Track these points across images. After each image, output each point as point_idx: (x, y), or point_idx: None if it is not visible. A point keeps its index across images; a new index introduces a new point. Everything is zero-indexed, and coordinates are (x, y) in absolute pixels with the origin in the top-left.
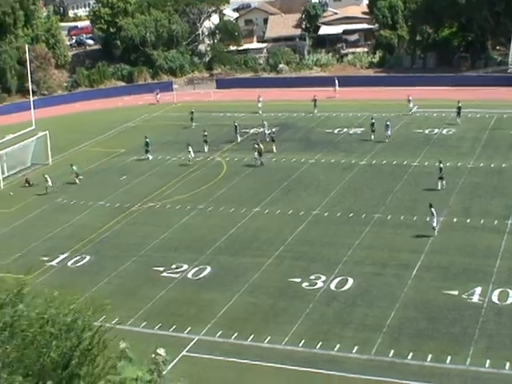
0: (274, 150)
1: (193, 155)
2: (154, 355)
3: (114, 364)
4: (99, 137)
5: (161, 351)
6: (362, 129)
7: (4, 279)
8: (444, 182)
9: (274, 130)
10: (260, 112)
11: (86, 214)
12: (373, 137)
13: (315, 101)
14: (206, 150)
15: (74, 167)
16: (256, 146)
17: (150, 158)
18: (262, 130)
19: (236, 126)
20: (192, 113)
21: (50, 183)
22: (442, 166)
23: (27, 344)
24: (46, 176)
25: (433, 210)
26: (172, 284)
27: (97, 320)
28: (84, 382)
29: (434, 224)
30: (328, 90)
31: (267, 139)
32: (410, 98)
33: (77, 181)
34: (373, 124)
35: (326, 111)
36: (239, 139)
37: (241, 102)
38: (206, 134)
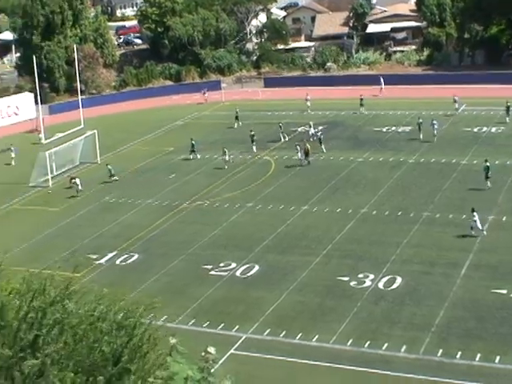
0: (324, 149)
1: (228, 158)
2: (204, 353)
3: (164, 360)
4: (147, 136)
5: (211, 350)
6: (410, 127)
7: (53, 277)
8: (488, 181)
9: (320, 128)
10: (308, 111)
11: (135, 212)
12: (421, 136)
13: (362, 99)
14: (254, 149)
15: (109, 166)
16: (298, 147)
17: (198, 157)
18: (308, 129)
19: (280, 126)
20: (237, 113)
21: (80, 187)
22: (488, 164)
23: (77, 341)
24: (77, 179)
25: (475, 214)
26: (220, 282)
27: (146, 318)
28: (134, 377)
29: (479, 226)
30: (375, 89)
31: (314, 138)
32: (456, 98)
33: (115, 178)
34: (420, 123)
35: (373, 109)
36: (286, 138)
37: (289, 101)
38: (253, 133)
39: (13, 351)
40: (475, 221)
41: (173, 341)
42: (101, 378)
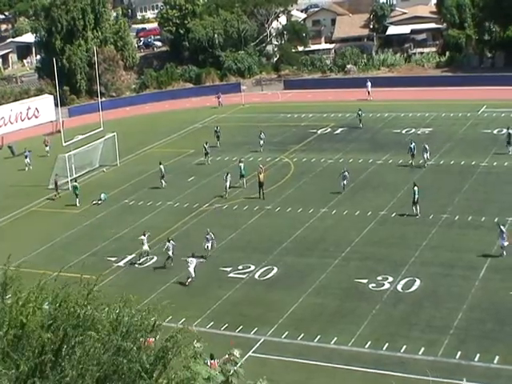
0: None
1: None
2: (228, 356)
3: (187, 364)
4: (167, 138)
5: (236, 352)
6: (430, 129)
7: (69, 281)
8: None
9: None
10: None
11: (154, 214)
12: (413, 162)
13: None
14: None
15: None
16: (226, 176)
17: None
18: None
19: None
20: (217, 131)
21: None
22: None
23: (96, 350)
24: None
25: (502, 227)
26: (239, 284)
27: (164, 321)
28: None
29: (193, 274)
30: (362, 92)
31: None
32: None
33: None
34: (413, 148)
35: (393, 111)
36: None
37: (308, 103)
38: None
39: (29, 365)
40: (503, 235)
41: (197, 345)
42: None
